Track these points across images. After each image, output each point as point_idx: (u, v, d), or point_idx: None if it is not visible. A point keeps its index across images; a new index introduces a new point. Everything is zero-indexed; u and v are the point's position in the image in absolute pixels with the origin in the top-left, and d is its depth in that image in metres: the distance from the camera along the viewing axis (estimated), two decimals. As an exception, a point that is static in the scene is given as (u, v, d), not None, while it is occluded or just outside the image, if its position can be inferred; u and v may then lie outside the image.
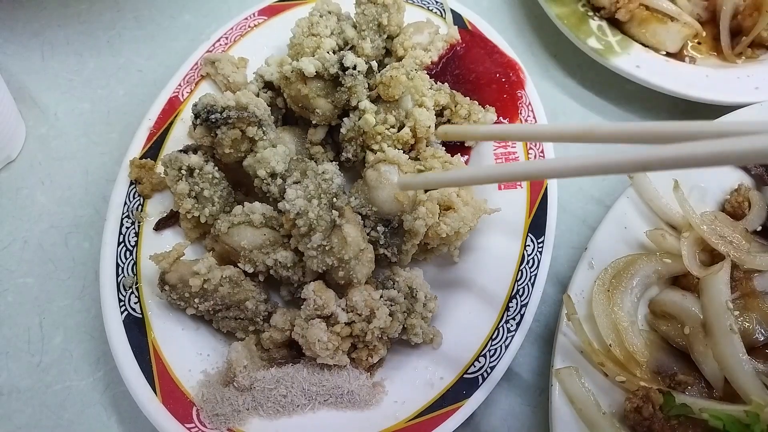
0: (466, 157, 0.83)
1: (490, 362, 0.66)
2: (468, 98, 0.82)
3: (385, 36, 0.85)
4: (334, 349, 0.65)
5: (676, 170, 0.76)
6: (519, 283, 0.71)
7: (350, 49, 0.84)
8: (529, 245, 0.73)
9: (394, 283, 0.70)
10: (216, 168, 0.73)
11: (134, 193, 0.77)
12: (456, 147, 0.83)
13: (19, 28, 1.05)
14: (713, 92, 0.88)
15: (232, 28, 0.91)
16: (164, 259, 0.68)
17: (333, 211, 0.65)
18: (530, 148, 0.81)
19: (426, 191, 0.71)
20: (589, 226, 0.86)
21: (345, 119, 0.77)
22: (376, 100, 0.77)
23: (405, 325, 0.68)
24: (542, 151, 0.81)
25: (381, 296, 0.67)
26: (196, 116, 0.70)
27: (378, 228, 0.69)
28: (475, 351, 0.67)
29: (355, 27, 0.85)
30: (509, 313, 0.69)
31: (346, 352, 0.66)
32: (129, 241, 0.74)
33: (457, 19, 0.91)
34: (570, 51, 0.99)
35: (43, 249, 0.84)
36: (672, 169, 0.33)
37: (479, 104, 0.82)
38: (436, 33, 0.86)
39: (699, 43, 0.99)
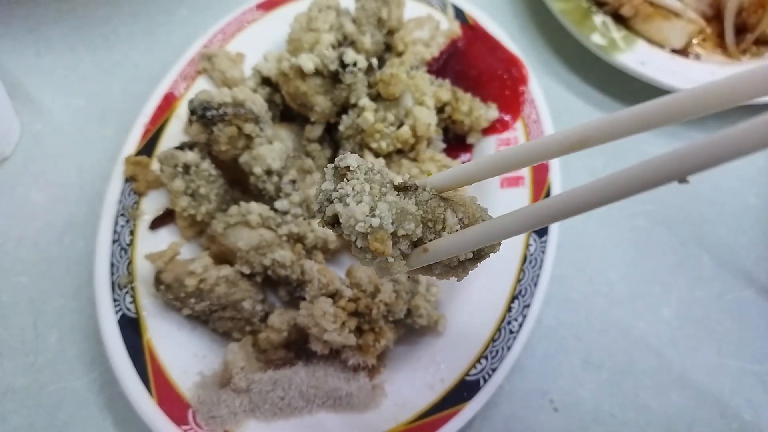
0: (469, 155, 0.82)
1: (491, 364, 0.65)
2: (469, 94, 0.81)
3: (385, 31, 0.84)
4: (341, 324, 0.63)
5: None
6: (521, 283, 0.70)
7: (350, 44, 0.82)
8: (531, 244, 0.72)
9: None
10: (213, 165, 0.72)
11: (129, 191, 0.76)
12: (458, 146, 0.82)
13: (15, 24, 1.03)
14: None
15: (229, 23, 0.90)
16: (160, 258, 0.67)
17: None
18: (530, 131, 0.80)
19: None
20: (593, 225, 0.84)
21: (344, 116, 0.76)
22: (375, 97, 0.76)
23: (409, 307, 0.67)
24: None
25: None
26: (192, 112, 0.69)
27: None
28: (476, 353, 0.66)
29: (354, 22, 0.83)
30: (511, 314, 0.68)
31: (352, 331, 0.65)
32: (124, 240, 0.73)
33: (459, 14, 0.90)
34: (574, 47, 0.98)
35: (37, 247, 0.83)
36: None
37: (481, 100, 0.81)
38: (437, 28, 0.85)
39: (704, 39, 0.98)
